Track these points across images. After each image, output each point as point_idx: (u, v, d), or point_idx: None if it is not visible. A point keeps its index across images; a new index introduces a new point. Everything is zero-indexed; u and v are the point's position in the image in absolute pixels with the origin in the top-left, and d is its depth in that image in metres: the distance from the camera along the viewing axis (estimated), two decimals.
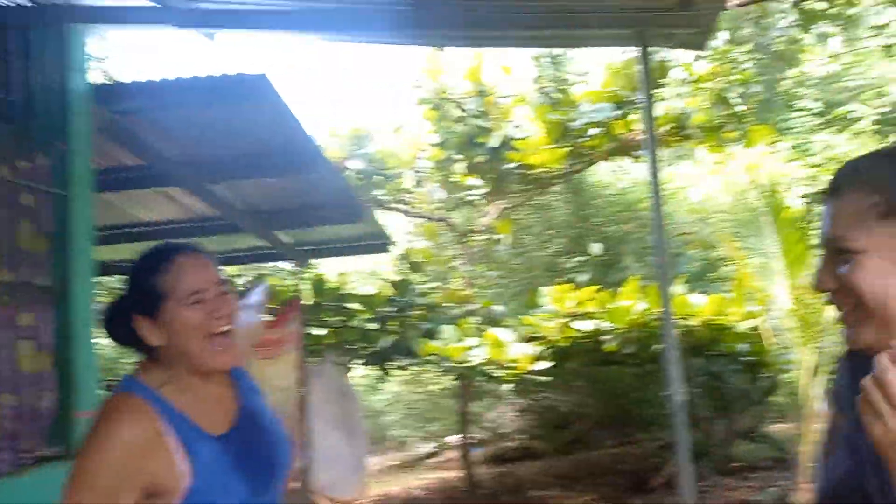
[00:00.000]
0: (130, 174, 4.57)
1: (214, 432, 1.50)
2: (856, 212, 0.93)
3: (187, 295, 1.44)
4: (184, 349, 1.46)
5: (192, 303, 1.44)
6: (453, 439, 10.45)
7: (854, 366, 1.07)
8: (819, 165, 10.22)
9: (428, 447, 11.49)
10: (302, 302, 6.87)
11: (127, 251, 6.91)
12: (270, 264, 10.32)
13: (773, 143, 8.60)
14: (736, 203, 6.01)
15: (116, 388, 1.52)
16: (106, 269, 7.61)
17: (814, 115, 11.06)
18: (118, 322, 1.52)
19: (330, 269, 11.48)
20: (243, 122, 4.02)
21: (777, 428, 7.73)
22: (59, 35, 3.32)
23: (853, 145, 10.24)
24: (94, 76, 3.61)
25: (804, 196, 9.00)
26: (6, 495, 2.72)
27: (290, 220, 6.21)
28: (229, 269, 9.59)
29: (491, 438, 10.52)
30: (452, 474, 8.89)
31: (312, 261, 8.05)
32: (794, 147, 10.44)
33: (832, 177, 1.01)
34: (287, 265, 11.34)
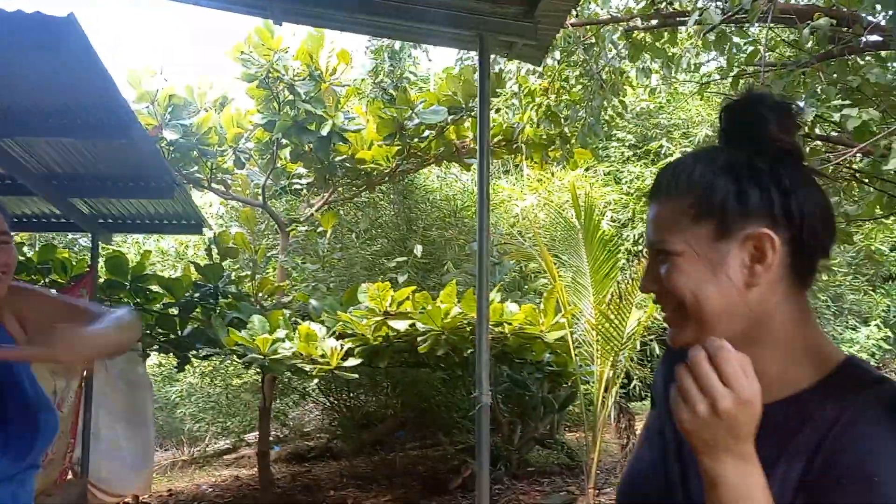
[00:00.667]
0: None
1: None
2: (672, 214, 0.94)
3: None
4: None
5: None
6: (252, 436, 10.06)
7: (673, 362, 1.07)
8: (629, 194, 10.99)
9: (224, 443, 11.01)
10: (95, 279, 6.29)
11: None
12: (64, 235, 9.40)
13: (592, 167, 9.11)
14: (554, 219, 6.26)
15: None
16: None
17: (628, 146, 11.89)
18: None
19: (131, 247, 10.69)
20: (43, 70, 3.56)
21: (571, 436, 8.14)
22: None
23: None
24: None
25: (614, 220, 9.61)
26: None
27: (90, 189, 5.61)
28: (19, 236, 8.61)
29: (291, 437, 10.26)
30: (247, 472, 8.54)
31: (113, 236, 7.40)
32: (608, 174, 11.16)
33: (654, 180, 1.01)
34: (83, 238, 10.42)
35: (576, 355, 5.53)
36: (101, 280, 6.53)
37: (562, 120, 5.30)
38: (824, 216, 0.92)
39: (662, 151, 11.45)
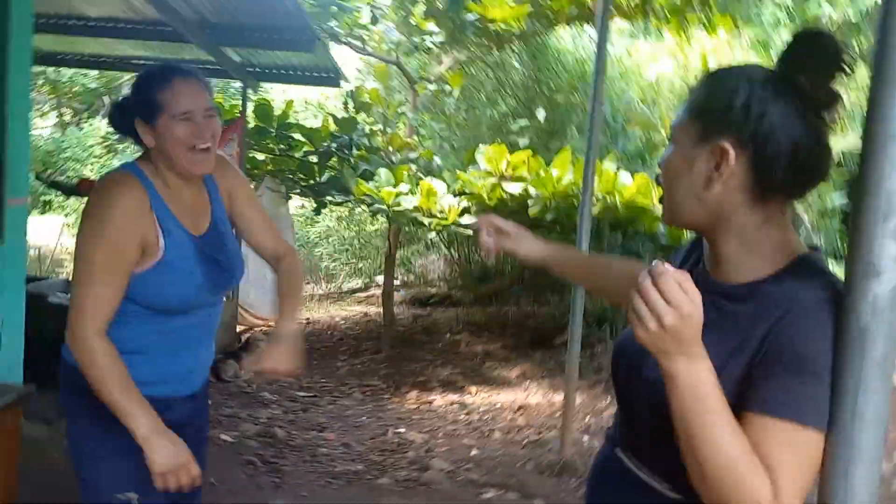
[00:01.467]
0: None
1: (189, 230, 1.84)
2: (687, 107, 1.11)
3: (179, 113, 1.72)
4: (170, 155, 1.76)
5: (181, 119, 1.72)
6: (381, 278, 10.86)
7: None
8: None
9: (356, 282, 11.92)
10: (244, 124, 6.84)
11: (67, 43, 6.72)
12: (217, 80, 10.07)
13: (736, 32, 8.59)
14: (685, 88, 6.06)
15: (116, 168, 1.89)
16: (44, 58, 7.40)
17: (783, 8, 10.96)
18: (122, 118, 1.83)
19: (276, 95, 11.30)
20: None
21: None
22: None
23: None
24: None
25: None
26: None
27: (239, 38, 6.03)
28: None
29: (415, 282, 10.96)
30: (375, 309, 9.31)
31: (260, 84, 7.90)
32: (758, 40, 10.43)
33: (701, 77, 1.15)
34: (234, 84, 11.11)
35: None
36: (250, 125, 7.11)
37: None
38: (796, 152, 1.02)
39: (824, 19, 10.52)
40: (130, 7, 5.47)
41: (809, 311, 0.98)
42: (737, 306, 1.07)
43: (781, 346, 0.98)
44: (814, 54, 1.02)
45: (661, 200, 1.18)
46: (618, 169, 5.22)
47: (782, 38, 10.65)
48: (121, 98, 1.88)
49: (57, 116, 13.75)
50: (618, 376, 1.24)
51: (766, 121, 1.02)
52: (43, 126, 13.62)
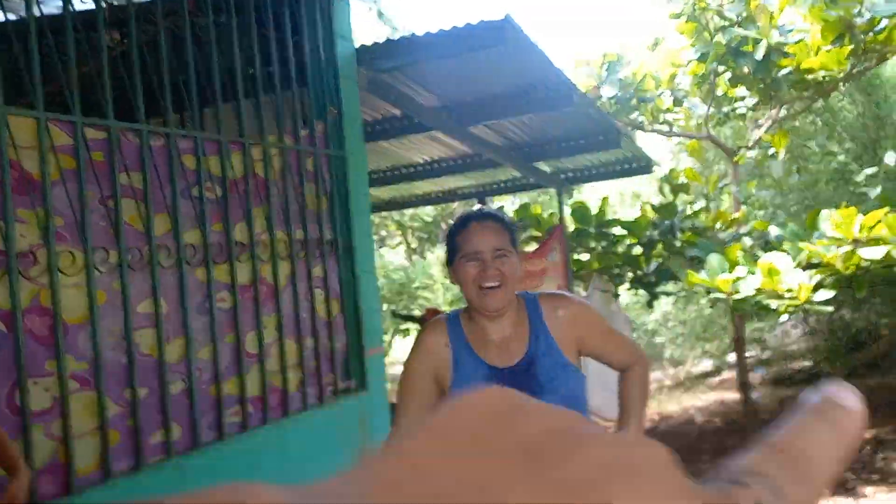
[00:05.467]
0: (396, 124, 4.93)
1: (491, 362, 1.89)
2: None
3: (469, 253, 1.85)
4: (464, 294, 1.89)
5: (470, 259, 1.85)
6: (732, 357, 10.06)
7: None
8: None
9: (705, 366, 11.21)
10: (564, 229, 6.98)
11: (401, 190, 7.55)
12: (533, 192, 10.52)
13: None
14: None
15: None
16: (384, 206, 8.40)
17: None
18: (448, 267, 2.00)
19: (591, 194, 11.44)
20: (494, 65, 4.11)
21: None
22: (325, 5, 3.62)
23: None
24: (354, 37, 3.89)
25: None
26: (313, 422, 3.19)
27: (548, 152, 6.29)
28: (495, 198, 9.96)
29: (774, 358, 9.97)
30: (731, 396, 8.62)
31: (573, 186, 8.08)
32: None
33: None
34: (548, 192, 11.50)
35: None
36: (570, 229, 7.23)
37: None
38: None
39: None
40: (450, 147, 6.00)
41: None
42: None
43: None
44: None
45: None
46: None
47: None
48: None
49: (405, 250, 15.47)
50: None
51: None
52: (394, 258, 15.42)
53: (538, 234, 7.41)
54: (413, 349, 1.95)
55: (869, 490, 4.86)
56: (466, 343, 1.91)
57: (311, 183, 3.45)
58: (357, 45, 3.82)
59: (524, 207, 7.66)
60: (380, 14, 12.98)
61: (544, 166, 6.85)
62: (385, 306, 11.84)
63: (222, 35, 3.06)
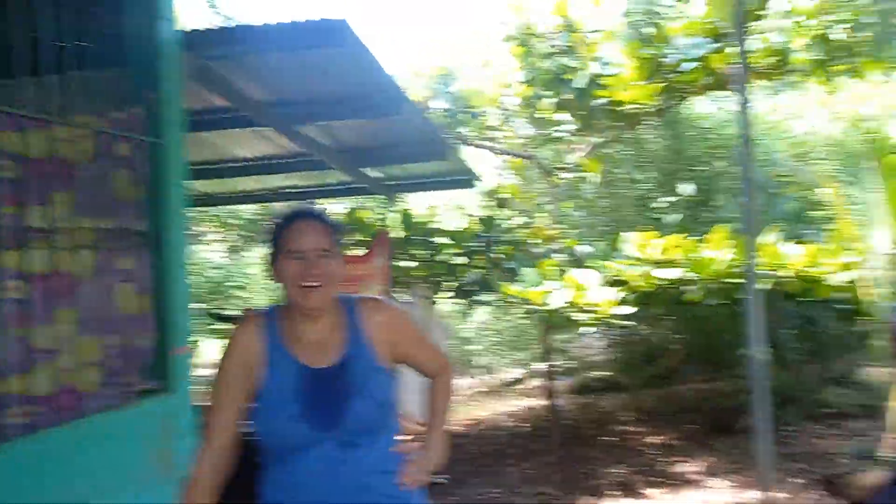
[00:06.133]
0: (222, 115, 4.74)
1: (308, 363, 1.88)
2: None
3: (293, 251, 1.84)
4: (285, 291, 1.87)
5: (294, 258, 1.84)
6: (539, 367, 10.59)
7: None
8: None
9: (515, 373, 11.73)
10: (390, 235, 7.03)
11: (223, 185, 7.27)
12: (360, 198, 10.52)
13: (886, 74, 7.97)
14: (839, 141, 5.63)
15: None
16: (203, 200, 8.03)
17: None
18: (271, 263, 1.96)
19: (418, 203, 11.63)
20: (327, 65, 4.07)
21: (872, 374, 7.45)
22: None
23: None
24: (184, 23, 3.69)
25: None
26: (112, 426, 2.98)
27: (377, 158, 6.32)
28: (322, 202, 9.86)
29: (579, 367, 10.60)
30: (538, 403, 9.07)
31: (400, 195, 8.16)
32: None
33: None
34: (375, 199, 11.56)
35: (871, 294, 5.03)
36: (396, 236, 7.29)
37: (834, 39, 4.74)
38: None
39: None
40: (279, 145, 5.85)
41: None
42: None
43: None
44: None
45: None
46: (783, 239, 4.84)
47: None
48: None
49: (224, 248, 14.89)
50: None
51: None
52: (212, 255, 14.78)
53: (364, 239, 7.41)
54: (227, 346, 1.94)
55: (652, 492, 5.29)
56: (281, 342, 1.90)
57: (125, 170, 3.22)
58: (187, 30, 3.63)
59: (351, 212, 7.64)
60: (210, 3, 12.43)
61: (373, 172, 6.87)
62: (201, 305, 11.34)
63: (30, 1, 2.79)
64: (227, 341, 1.95)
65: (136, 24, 3.34)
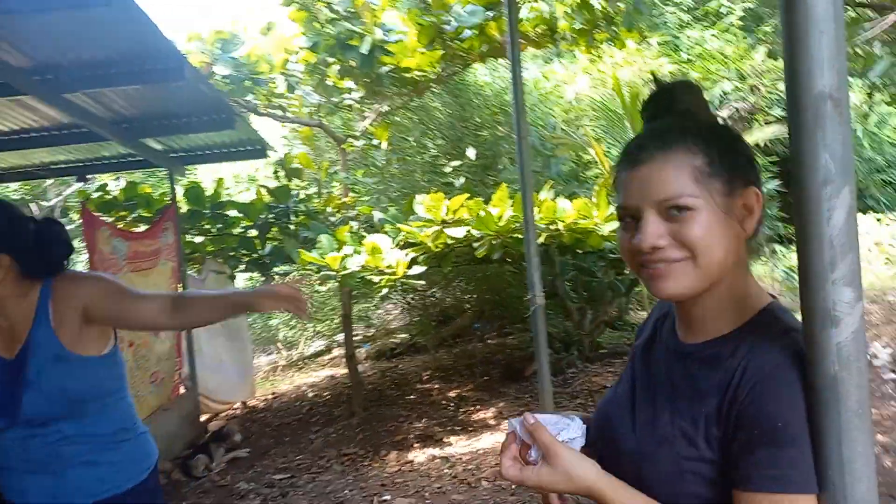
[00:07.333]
0: None
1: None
2: (680, 173, 1.00)
3: None
4: None
5: None
6: (342, 338, 10.68)
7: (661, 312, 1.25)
8: (689, 61, 10.61)
9: (318, 346, 11.71)
10: (177, 210, 6.71)
11: None
12: (142, 172, 9.91)
13: (644, 40, 8.84)
14: (602, 105, 6.20)
15: None
16: None
17: (686, 9, 11.37)
18: None
19: (206, 176, 11.17)
20: (96, 28, 3.79)
21: (641, 316, 8.35)
22: None
23: (720, 42, 10.67)
24: None
25: None
26: None
27: (157, 128, 5.96)
28: (101, 177, 9.15)
29: (378, 335, 10.83)
30: (341, 371, 9.16)
31: (187, 168, 7.79)
32: (664, 43, 10.76)
33: (634, 145, 1.07)
34: (159, 172, 10.93)
35: None
36: (183, 210, 6.97)
37: (597, 8, 5.21)
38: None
39: (722, 10, 10.93)
40: (43, 116, 5.35)
41: (772, 377, 0.94)
42: (707, 372, 1.03)
43: (752, 419, 0.94)
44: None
45: (659, 275, 1.03)
46: (556, 196, 5.26)
47: (689, 37, 11.04)
48: None
49: None
50: (597, 445, 1.20)
51: (753, 156, 1.08)
52: None
53: (148, 214, 7.02)
54: None
55: (453, 439, 5.60)
56: None
57: None
58: None
59: (132, 186, 7.18)
60: None
61: (154, 143, 6.50)
62: None
63: None
64: None
65: None
